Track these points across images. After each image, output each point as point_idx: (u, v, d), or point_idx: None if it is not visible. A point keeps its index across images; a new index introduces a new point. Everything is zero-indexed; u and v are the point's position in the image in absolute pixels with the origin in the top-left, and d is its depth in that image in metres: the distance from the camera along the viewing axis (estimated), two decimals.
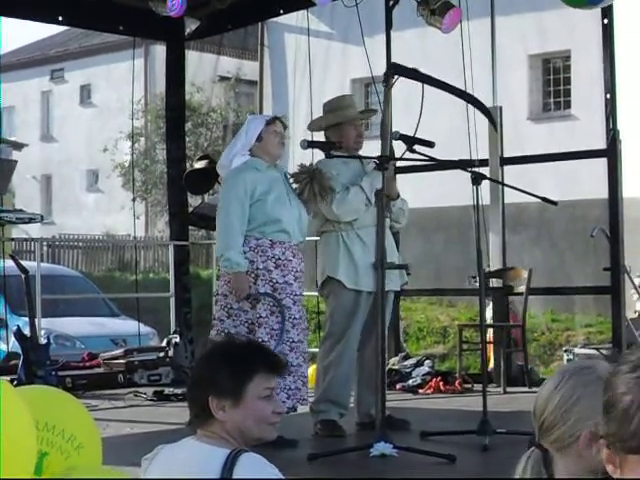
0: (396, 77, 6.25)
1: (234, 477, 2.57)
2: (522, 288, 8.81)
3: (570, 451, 2.22)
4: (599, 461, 1.93)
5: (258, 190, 5.97)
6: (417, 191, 11.84)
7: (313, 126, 6.82)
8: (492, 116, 6.45)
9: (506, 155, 9.07)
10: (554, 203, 6.18)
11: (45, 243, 23.03)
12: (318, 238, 6.75)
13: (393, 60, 6.89)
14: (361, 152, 6.60)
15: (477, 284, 10.57)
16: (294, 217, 6.07)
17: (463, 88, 8.98)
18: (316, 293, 7.10)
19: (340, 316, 6.35)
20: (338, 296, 6.37)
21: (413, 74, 6.21)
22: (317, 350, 6.70)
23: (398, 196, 6.53)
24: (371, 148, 6.62)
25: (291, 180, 6.17)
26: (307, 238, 6.92)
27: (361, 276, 6.29)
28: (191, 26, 10.04)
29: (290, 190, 6.14)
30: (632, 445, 1.74)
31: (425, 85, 6.11)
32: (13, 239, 13.73)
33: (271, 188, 6.01)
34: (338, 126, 6.51)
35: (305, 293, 7.62)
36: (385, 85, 6.23)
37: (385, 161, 5.94)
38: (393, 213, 6.51)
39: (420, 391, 8.53)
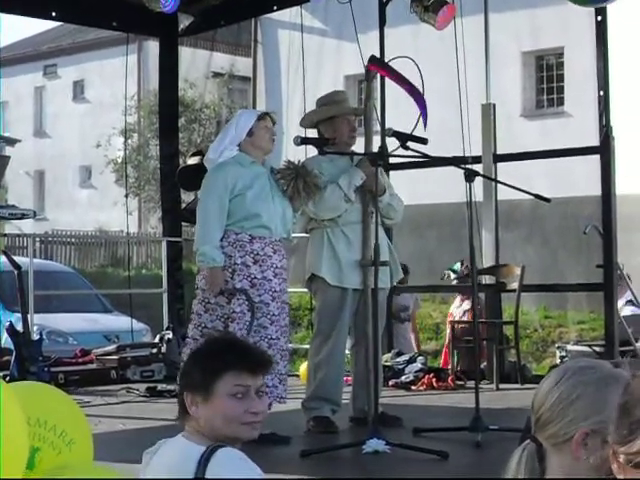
0: (373, 72, 6.27)
1: (207, 476, 2.55)
2: (515, 285, 8.82)
3: (564, 448, 2.22)
4: (604, 460, 1.94)
5: (239, 185, 5.93)
6: (410, 188, 11.84)
7: (305, 121, 6.77)
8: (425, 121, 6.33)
9: (499, 152, 9.07)
10: (547, 200, 6.18)
11: (38, 239, 23.04)
12: (307, 235, 6.74)
13: (387, 56, 6.88)
14: (354, 148, 6.58)
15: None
16: (277, 213, 6.02)
17: (457, 85, 9.01)
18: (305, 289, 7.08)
19: (326, 313, 6.34)
20: (323, 293, 6.36)
21: (389, 70, 6.22)
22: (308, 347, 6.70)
23: (384, 191, 6.45)
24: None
25: (278, 176, 6.14)
26: (300, 235, 6.92)
27: (345, 273, 6.26)
28: (184, 22, 10.04)
29: (275, 186, 6.11)
30: (637, 461, 1.74)
31: (421, 82, 6.11)
32: (6, 235, 13.68)
33: (252, 183, 5.97)
34: (331, 120, 6.47)
35: (299, 290, 7.64)
36: (366, 79, 6.25)
37: (378, 158, 5.94)
38: (382, 209, 6.41)
39: (413, 388, 8.53)
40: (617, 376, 2.23)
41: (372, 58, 6.38)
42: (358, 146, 6.43)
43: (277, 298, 5.97)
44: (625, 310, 10.41)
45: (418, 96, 6.05)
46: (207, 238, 5.89)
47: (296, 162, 6.22)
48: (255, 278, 5.89)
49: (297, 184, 6.07)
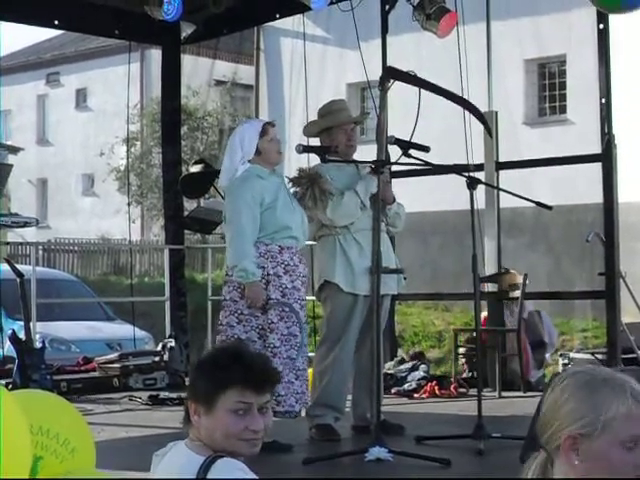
0: (392, 81, 6.26)
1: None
2: (517, 292, 8.81)
3: (559, 454, 2.21)
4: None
5: (266, 198, 5.95)
6: (413, 195, 11.85)
7: (306, 131, 6.80)
8: (487, 121, 6.43)
9: (502, 160, 9.07)
10: (549, 208, 6.18)
11: (40, 247, 23.02)
12: (314, 243, 6.76)
13: (389, 65, 6.88)
14: (356, 156, 6.60)
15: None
16: (299, 222, 6.09)
17: (459, 93, 9.00)
18: (313, 297, 7.10)
19: (337, 320, 6.35)
20: (335, 300, 6.37)
21: (408, 78, 6.21)
22: (313, 354, 6.70)
23: (394, 200, 6.53)
24: (368, 152, 6.61)
25: (289, 185, 6.16)
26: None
27: (357, 279, 6.29)
28: (187, 30, 10.05)
29: (290, 195, 6.15)
30: None
31: (422, 90, 6.11)
32: (8, 243, 13.73)
33: (277, 195, 6.01)
34: (329, 130, 6.51)
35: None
36: (381, 89, 6.23)
37: (380, 165, 5.95)
38: (389, 217, 6.51)
39: (415, 395, 8.52)
40: (613, 379, 2.20)
41: (389, 69, 6.40)
42: (370, 154, 6.41)
43: (304, 307, 6.11)
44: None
45: (465, 103, 6.05)
46: (245, 253, 5.89)
47: (308, 169, 6.26)
48: (286, 288, 5.96)
49: (314, 192, 6.10)
